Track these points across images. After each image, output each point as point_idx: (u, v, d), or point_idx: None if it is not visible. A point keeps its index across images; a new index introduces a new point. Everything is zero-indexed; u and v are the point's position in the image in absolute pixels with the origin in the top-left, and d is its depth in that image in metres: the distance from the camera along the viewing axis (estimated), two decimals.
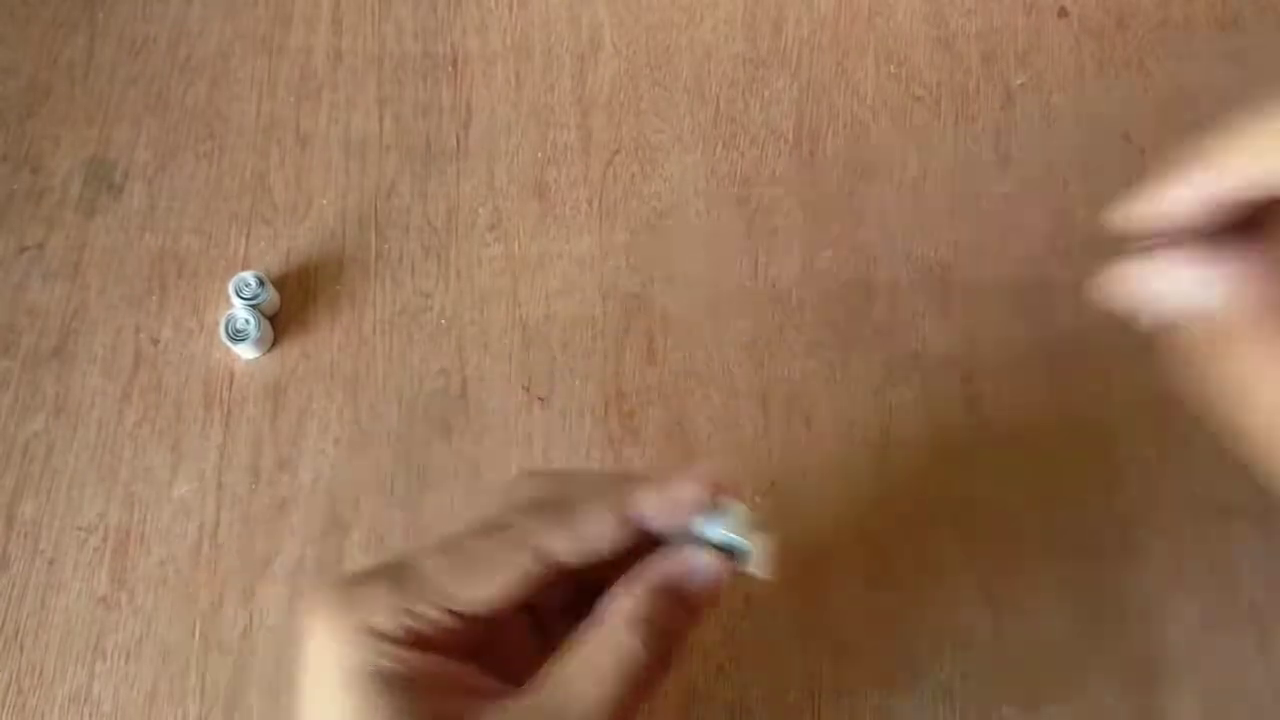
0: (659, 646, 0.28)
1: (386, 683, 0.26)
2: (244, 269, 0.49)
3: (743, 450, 0.47)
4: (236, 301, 0.48)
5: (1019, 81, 0.53)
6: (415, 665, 0.27)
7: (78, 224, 0.51)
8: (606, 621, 0.28)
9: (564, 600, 0.31)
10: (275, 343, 0.49)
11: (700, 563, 0.29)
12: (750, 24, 0.54)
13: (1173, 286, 0.31)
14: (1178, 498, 0.46)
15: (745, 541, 0.29)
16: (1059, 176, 0.51)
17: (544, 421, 0.47)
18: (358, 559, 0.45)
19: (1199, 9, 0.54)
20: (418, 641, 0.27)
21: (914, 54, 0.53)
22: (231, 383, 0.48)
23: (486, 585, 0.27)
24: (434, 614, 0.27)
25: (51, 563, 0.45)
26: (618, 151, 0.52)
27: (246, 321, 0.47)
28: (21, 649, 0.44)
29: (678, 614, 0.28)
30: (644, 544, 0.29)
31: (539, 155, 0.52)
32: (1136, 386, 0.47)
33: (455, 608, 0.27)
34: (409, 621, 0.27)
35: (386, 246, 0.50)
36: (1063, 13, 0.54)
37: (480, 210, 0.51)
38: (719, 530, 0.29)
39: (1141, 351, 0.48)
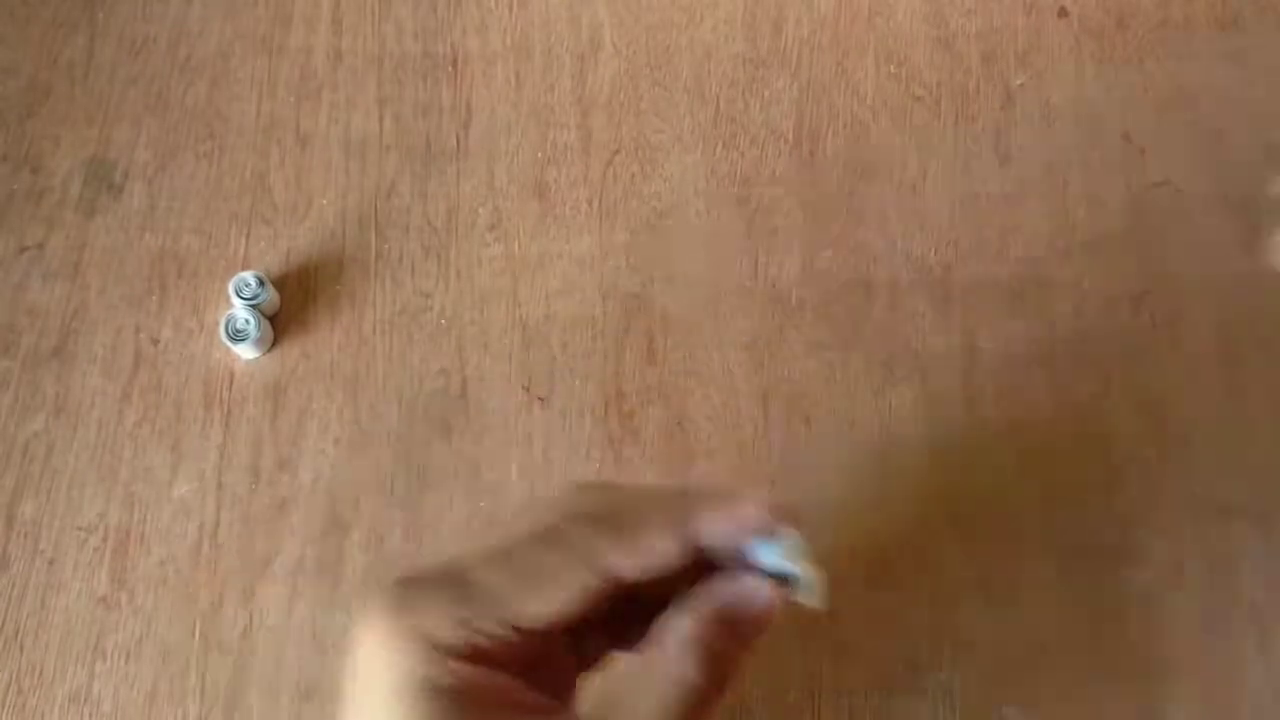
0: (714, 672, 0.27)
1: (439, 695, 0.26)
2: (244, 269, 0.49)
3: (743, 450, 0.47)
4: (236, 301, 0.48)
5: (1019, 81, 0.53)
6: (468, 679, 0.26)
7: (78, 224, 0.51)
8: (663, 645, 0.28)
9: (596, 612, 0.30)
10: (275, 343, 0.49)
11: (759, 591, 0.28)
12: (750, 24, 0.54)
13: None
14: (1178, 498, 0.46)
15: (801, 570, 0.28)
16: (1059, 176, 0.51)
17: (544, 421, 0.47)
18: (358, 559, 0.45)
19: (1199, 9, 0.54)
20: (472, 654, 0.26)
21: (914, 54, 0.53)
22: (231, 383, 0.48)
23: (548, 600, 0.27)
24: (493, 628, 0.26)
25: (51, 563, 0.45)
26: (618, 151, 0.52)
27: (246, 321, 0.47)
28: (21, 649, 0.44)
29: (733, 640, 0.28)
30: (692, 561, 0.29)
31: (539, 155, 0.52)
32: (1136, 386, 0.47)
33: (516, 622, 0.27)
34: (467, 634, 0.26)
35: (386, 246, 0.50)
36: (1063, 13, 0.54)
37: (480, 210, 0.51)
38: (775, 557, 0.28)
39: (1141, 351, 0.48)
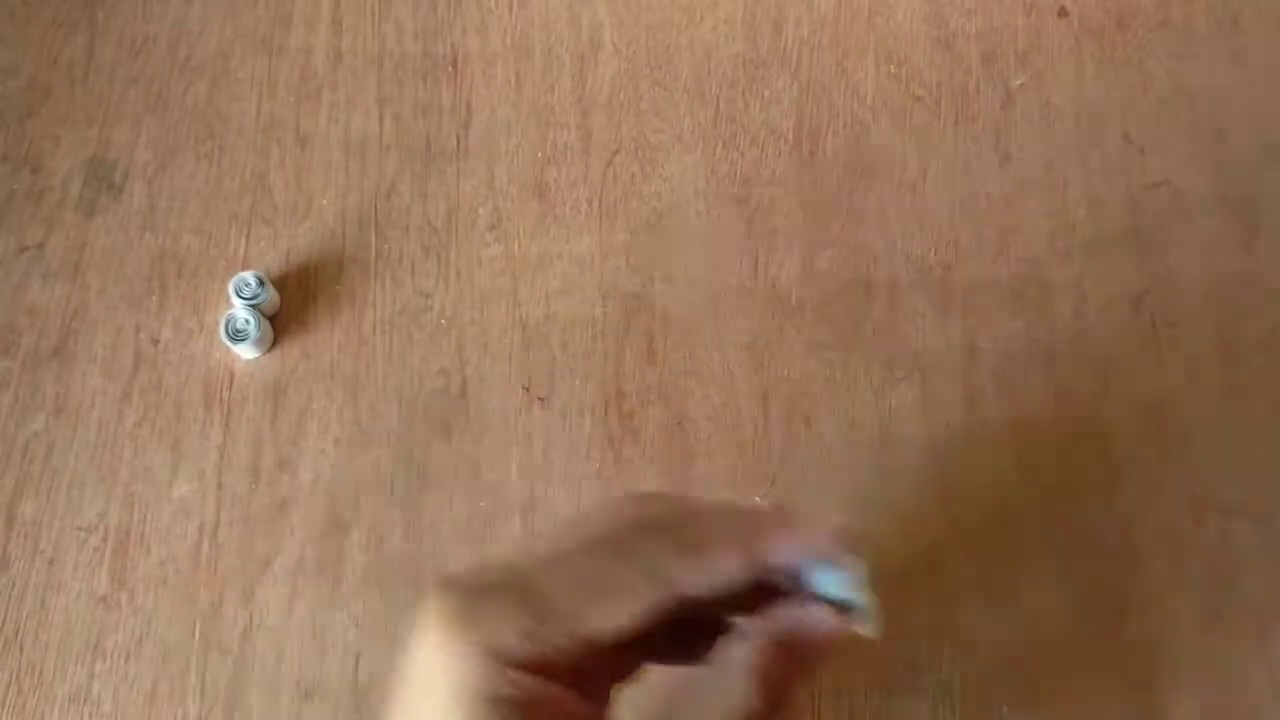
0: (773, 698, 0.27)
1: (498, 705, 0.25)
2: (244, 269, 0.49)
3: (743, 450, 0.47)
4: (236, 301, 0.48)
5: (1019, 81, 0.53)
6: (528, 689, 0.25)
7: (78, 224, 0.51)
8: (725, 667, 0.28)
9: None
10: (275, 343, 0.49)
11: (823, 621, 0.28)
12: (750, 24, 0.54)
13: None
14: (1178, 498, 0.46)
15: (864, 600, 0.28)
16: (1059, 176, 0.51)
17: (544, 421, 0.47)
18: (358, 559, 0.45)
19: (1199, 9, 0.54)
20: (533, 664, 0.26)
21: (914, 54, 0.53)
22: (231, 383, 0.48)
23: (616, 615, 0.26)
24: (560, 640, 0.26)
25: (51, 563, 0.45)
26: (618, 151, 0.52)
27: (246, 321, 0.47)
28: (21, 649, 0.44)
29: (793, 667, 0.28)
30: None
31: (539, 155, 0.52)
32: (1136, 386, 0.47)
33: (584, 635, 0.26)
34: (531, 645, 0.26)
35: (386, 246, 0.50)
36: (1063, 13, 0.54)
37: (480, 210, 0.51)
38: (838, 585, 0.28)
39: (1141, 351, 0.48)
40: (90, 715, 0.43)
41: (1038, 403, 0.47)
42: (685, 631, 0.29)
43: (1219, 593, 0.44)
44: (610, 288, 0.50)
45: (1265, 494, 0.46)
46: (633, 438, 0.47)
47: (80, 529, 0.46)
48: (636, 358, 0.48)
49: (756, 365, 0.48)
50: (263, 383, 0.48)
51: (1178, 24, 0.53)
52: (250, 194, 0.51)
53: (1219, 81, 0.52)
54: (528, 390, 0.48)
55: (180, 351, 0.49)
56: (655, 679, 0.29)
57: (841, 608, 0.28)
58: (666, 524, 0.28)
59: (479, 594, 0.26)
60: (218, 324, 0.48)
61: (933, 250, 0.50)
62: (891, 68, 0.53)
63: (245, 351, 0.48)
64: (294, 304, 0.49)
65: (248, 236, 0.51)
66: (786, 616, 0.28)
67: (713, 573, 0.27)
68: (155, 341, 0.49)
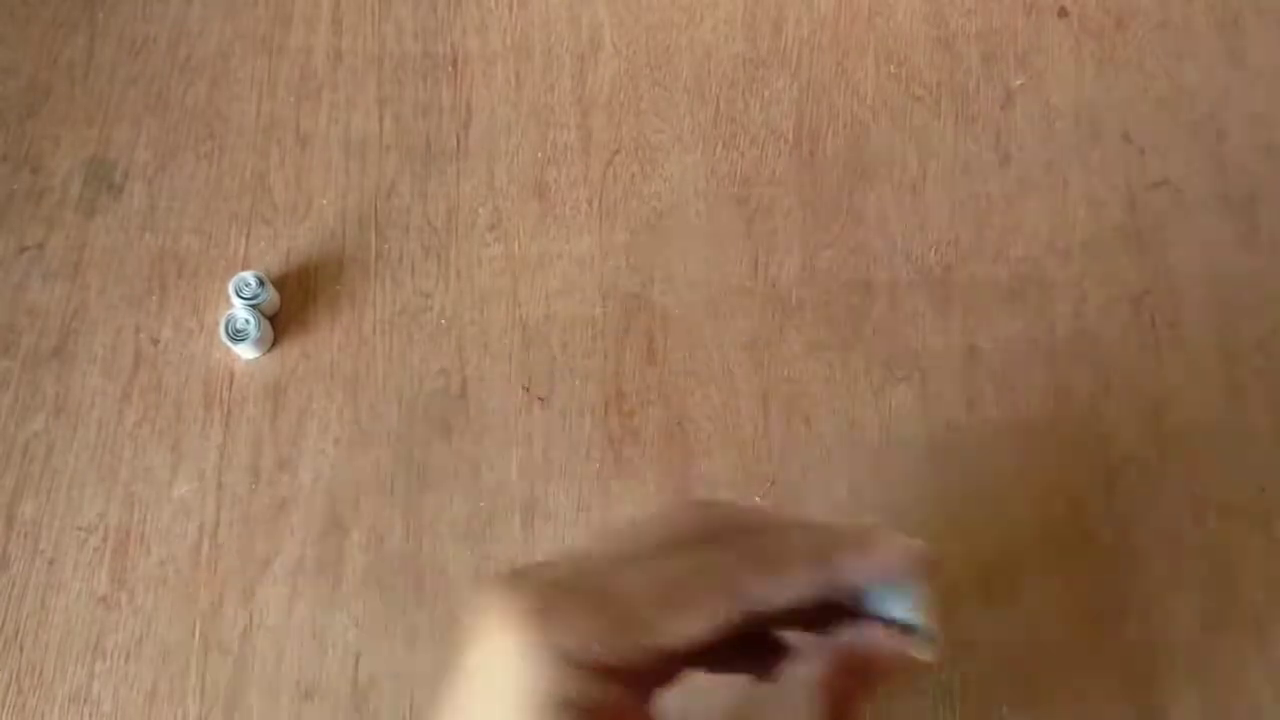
0: (837, 716, 0.27)
1: (566, 709, 0.25)
2: (244, 269, 0.49)
3: (743, 450, 0.47)
4: (236, 301, 0.48)
5: (1019, 81, 0.53)
6: (595, 695, 0.25)
7: (78, 224, 0.51)
8: (792, 685, 0.28)
9: None
10: (275, 343, 0.49)
11: (889, 642, 0.28)
12: (750, 24, 0.54)
13: None
14: (1178, 498, 0.46)
15: (926, 624, 0.28)
16: (1059, 176, 0.51)
17: (544, 421, 0.47)
18: (358, 559, 0.45)
19: (1199, 9, 0.54)
20: (603, 670, 0.26)
21: (914, 54, 0.53)
22: (231, 383, 0.48)
23: (689, 627, 0.26)
24: (634, 650, 0.26)
25: (51, 563, 0.45)
26: (618, 151, 0.52)
27: (246, 321, 0.47)
28: (21, 649, 0.44)
29: (858, 686, 0.28)
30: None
31: (539, 155, 0.52)
32: (1136, 386, 0.47)
33: (660, 645, 0.26)
34: (604, 653, 0.25)
35: (386, 246, 0.50)
36: (1063, 13, 0.54)
37: (480, 210, 0.51)
38: (904, 608, 0.28)
39: (1141, 351, 0.48)
40: (90, 715, 0.43)
41: (1038, 403, 0.47)
42: (739, 642, 0.29)
43: (1219, 593, 0.44)
44: (610, 288, 0.50)
45: (1265, 494, 0.46)
46: (633, 438, 0.47)
47: (80, 529, 0.46)
48: (636, 358, 0.48)
49: (756, 365, 0.48)
50: (263, 383, 0.48)
51: (1177, 24, 0.53)
52: (250, 194, 0.51)
53: (1219, 81, 0.52)
54: (528, 390, 0.48)
55: (180, 351, 0.49)
56: (711, 688, 0.29)
57: (903, 629, 0.28)
58: (739, 538, 0.28)
59: (554, 594, 0.26)
60: (218, 324, 0.48)
61: (933, 250, 0.50)
62: (891, 68, 0.53)
63: (245, 351, 0.48)
64: (294, 304, 0.49)
65: (248, 236, 0.51)
66: (855, 635, 0.28)
67: (787, 589, 0.27)
68: (155, 341, 0.49)
